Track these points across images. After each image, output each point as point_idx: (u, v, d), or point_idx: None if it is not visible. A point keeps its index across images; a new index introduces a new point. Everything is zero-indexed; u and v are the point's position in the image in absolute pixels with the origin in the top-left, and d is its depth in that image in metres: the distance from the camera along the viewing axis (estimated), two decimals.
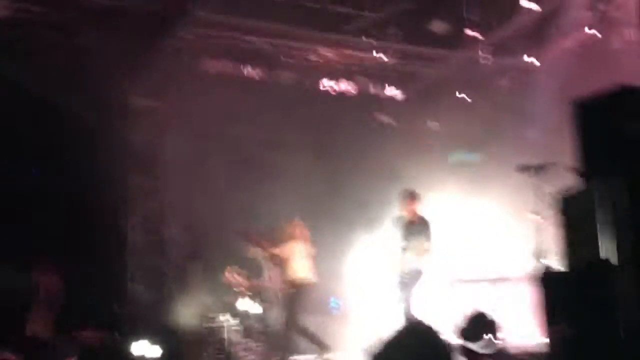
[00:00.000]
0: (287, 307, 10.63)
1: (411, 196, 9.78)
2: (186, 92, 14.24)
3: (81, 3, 12.82)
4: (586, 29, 12.72)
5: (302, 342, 11.11)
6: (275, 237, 10.80)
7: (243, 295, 12.40)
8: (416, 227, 9.60)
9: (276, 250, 10.48)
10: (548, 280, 6.74)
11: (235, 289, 12.20)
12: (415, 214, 9.68)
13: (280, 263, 10.85)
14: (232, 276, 12.15)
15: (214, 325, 13.00)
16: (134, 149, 14.48)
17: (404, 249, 9.56)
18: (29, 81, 13.57)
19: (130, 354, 12.08)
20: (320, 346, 10.63)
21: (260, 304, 11.91)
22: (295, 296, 10.65)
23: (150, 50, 13.72)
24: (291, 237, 10.69)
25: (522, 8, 12.73)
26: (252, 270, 12.24)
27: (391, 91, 14.97)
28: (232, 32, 13.65)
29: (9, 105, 14.24)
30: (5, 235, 15.45)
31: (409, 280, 9.54)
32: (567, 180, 6.65)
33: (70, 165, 14.57)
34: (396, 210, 9.93)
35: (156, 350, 12.33)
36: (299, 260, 10.68)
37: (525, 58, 13.86)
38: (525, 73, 14.09)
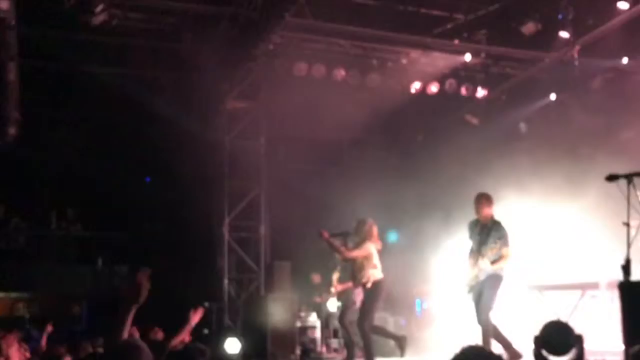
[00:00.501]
0: (364, 306, 10.65)
1: (486, 200, 9.63)
2: (279, 95, 14.61)
3: (179, 10, 13.30)
4: None
5: (386, 344, 11.23)
6: (355, 237, 10.91)
7: (331, 296, 12.65)
8: (491, 231, 9.43)
9: (354, 253, 10.58)
10: (632, 291, 6.64)
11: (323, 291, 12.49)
12: (490, 218, 9.52)
13: (358, 264, 10.94)
14: (318, 277, 12.41)
15: (302, 324, 13.34)
16: (230, 151, 14.93)
17: (479, 255, 9.42)
18: (130, 88, 14.24)
19: (219, 349, 12.53)
20: (396, 339, 10.68)
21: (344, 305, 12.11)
22: (372, 295, 10.64)
23: (245, 54, 14.11)
24: (367, 237, 10.76)
25: (616, 8, 12.45)
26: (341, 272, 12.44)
27: (481, 92, 14.86)
28: (324, 36, 13.91)
29: (116, 114, 15.03)
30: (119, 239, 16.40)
31: (484, 287, 9.38)
32: None
33: (173, 170, 15.23)
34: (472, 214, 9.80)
35: (244, 347, 12.75)
36: (375, 260, 10.76)
37: (619, 59, 13.53)
38: (619, 75, 13.76)
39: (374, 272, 10.33)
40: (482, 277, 9.29)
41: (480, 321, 9.22)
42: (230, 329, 13.61)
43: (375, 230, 10.44)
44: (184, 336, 8.38)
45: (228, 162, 14.90)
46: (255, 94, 15.09)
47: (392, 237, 14.87)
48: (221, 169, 14.94)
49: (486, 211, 9.47)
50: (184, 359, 4.25)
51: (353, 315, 11.30)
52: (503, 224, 9.42)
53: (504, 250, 9.27)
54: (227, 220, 14.69)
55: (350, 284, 11.55)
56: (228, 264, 14.55)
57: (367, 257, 10.29)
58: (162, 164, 15.76)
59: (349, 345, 11.20)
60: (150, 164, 16.26)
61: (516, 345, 9.33)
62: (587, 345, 6.78)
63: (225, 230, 14.63)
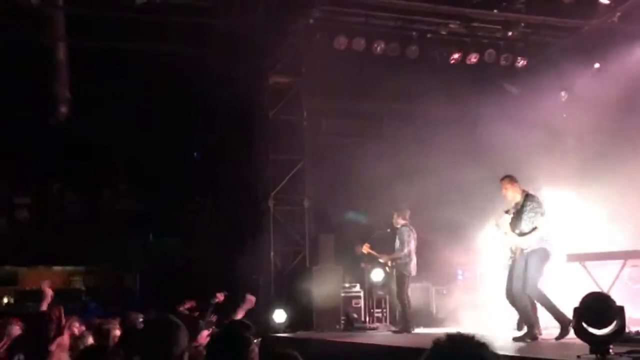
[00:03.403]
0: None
1: (509, 181, 9.71)
2: (321, 69, 14.76)
3: None
4: None
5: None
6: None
7: (376, 267, 12.97)
8: (524, 206, 9.52)
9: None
10: None
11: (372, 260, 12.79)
12: (520, 195, 9.59)
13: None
14: (368, 248, 12.70)
15: (346, 294, 13.66)
16: (273, 126, 15.19)
17: (514, 230, 9.54)
18: (176, 65, 14.54)
19: (267, 320, 12.97)
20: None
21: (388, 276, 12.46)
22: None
23: (286, 30, 14.29)
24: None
25: None
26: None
27: (521, 62, 14.83)
28: (363, 9, 14.01)
29: (163, 91, 15.39)
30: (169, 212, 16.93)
31: (529, 259, 9.47)
32: None
33: (220, 145, 15.59)
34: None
35: (290, 317, 13.15)
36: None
37: None
38: None
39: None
40: (527, 249, 9.42)
41: (530, 294, 9.33)
42: (277, 300, 13.99)
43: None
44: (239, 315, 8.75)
45: (272, 137, 15.14)
46: (297, 69, 15.26)
47: None
48: (265, 144, 15.19)
49: (512, 191, 9.59)
50: (229, 334, 4.50)
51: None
52: (536, 196, 9.53)
53: (539, 221, 9.39)
54: (272, 194, 14.98)
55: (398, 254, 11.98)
56: (274, 237, 14.86)
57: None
58: (209, 140, 16.14)
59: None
60: (197, 139, 16.63)
61: (539, 323, 9.47)
62: (628, 316, 6.84)
63: (271, 204, 14.92)
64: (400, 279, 12.29)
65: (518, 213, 9.52)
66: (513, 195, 9.62)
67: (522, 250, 9.47)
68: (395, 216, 12.47)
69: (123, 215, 17.30)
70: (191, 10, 13.97)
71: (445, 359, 2.64)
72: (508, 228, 9.56)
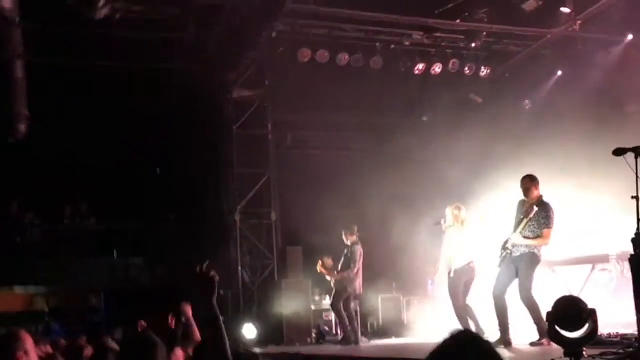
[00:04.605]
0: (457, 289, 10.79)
1: (531, 180, 9.67)
2: (285, 82, 14.71)
3: (182, 1, 13.39)
4: None
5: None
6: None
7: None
8: (535, 211, 9.47)
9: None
10: None
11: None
12: (537, 198, 9.55)
13: None
14: (320, 267, 12.71)
15: (316, 307, 13.54)
16: (238, 140, 15.06)
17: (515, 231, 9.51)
18: (137, 80, 14.37)
19: (237, 335, 12.76)
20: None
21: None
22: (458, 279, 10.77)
23: (249, 43, 14.21)
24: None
25: None
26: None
27: (485, 71, 14.93)
28: (327, 22, 13.99)
29: (124, 107, 15.17)
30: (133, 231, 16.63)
31: (520, 264, 9.43)
32: None
33: (184, 160, 15.41)
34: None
35: (260, 332, 12.98)
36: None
37: (622, 33, 13.58)
38: (621, 49, 13.80)
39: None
40: (516, 253, 9.37)
41: (522, 299, 9.30)
42: (246, 315, 13.81)
43: (459, 214, 10.62)
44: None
45: (237, 151, 15.02)
46: (261, 82, 15.20)
47: None
48: (230, 157, 15.07)
49: (533, 192, 9.53)
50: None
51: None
52: (551, 206, 9.46)
53: (544, 231, 9.33)
54: (238, 208, 14.84)
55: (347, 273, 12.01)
56: (241, 251, 14.71)
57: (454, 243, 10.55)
58: (172, 155, 15.93)
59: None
60: (161, 155, 16.40)
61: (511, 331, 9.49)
62: (600, 319, 6.86)
63: (237, 218, 14.78)
64: (340, 292, 12.31)
65: (527, 214, 9.44)
66: (533, 197, 9.55)
67: (511, 253, 9.42)
68: (344, 234, 12.40)
69: (85, 234, 16.96)
70: (153, 25, 13.82)
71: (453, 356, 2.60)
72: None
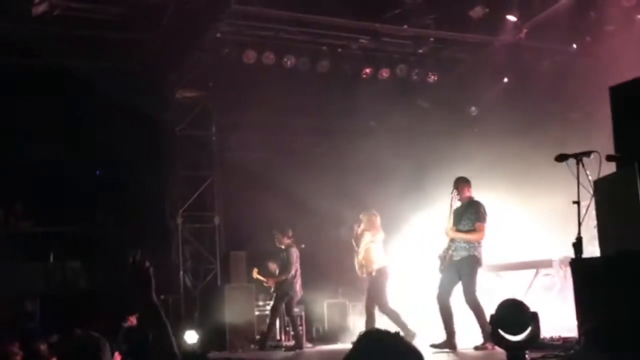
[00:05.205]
0: (372, 292, 11.00)
1: (463, 182, 9.80)
2: (229, 83, 14.51)
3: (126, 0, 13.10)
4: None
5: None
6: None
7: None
8: (467, 209, 9.61)
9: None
10: (584, 268, 6.75)
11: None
12: (467, 199, 9.70)
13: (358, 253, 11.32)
14: (255, 274, 12.71)
15: (260, 313, 13.35)
16: (181, 142, 14.79)
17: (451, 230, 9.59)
18: (79, 78, 13.98)
19: (176, 341, 12.46)
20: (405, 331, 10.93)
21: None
22: (376, 281, 11.01)
23: (193, 43, 13.97)
24: (368, 229, 11.12)
25: None
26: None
27: (431, 77, 14.95)
28: (272, 24, 13.82)
29: (64, 106, 14.76)
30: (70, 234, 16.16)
31: (462, 268, 9.49)
32: (608, 166, 6.65)
33: (125, 162, 15.06)
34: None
35: (202, 338, 12.70)
36: (374, 248, 11.10)
37: (567, 42, 13.77)
38: (567, 57, 13.99)
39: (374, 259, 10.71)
40: (456, 257, 9.46)
41: (467, 302, 9.39)
42: (188, 320, 13.54)
43: (375, 220, 10.84)
44: None
45: (179, 153, 14.77)
46: (205, 83, 14.95)
47: None
48: (173, 160, 14.80)
49: (465, 193, 9.67)
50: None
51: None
52: (481, 203, 9.60)
53: (477, 225, 9.45)
54: (180, 212, 14.58)
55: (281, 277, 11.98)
56: (183, 255, 14.47)
57: (368, 248, 10.73)
58: (113, 157, 15.55)
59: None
60: (100, 156, 16.01)
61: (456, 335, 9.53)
62: (542, 323, 6.91)
63: (179, 221, 14.53)
64: (281, 297, 12.36)
65: (459, 214, 9.56)
66: (464, 197, 9.67)
67: (451, 257, 9.48)
68: (279, 236, 12.43)
69: (20, 237, 16.41)
70: (94, 23, 13.46)
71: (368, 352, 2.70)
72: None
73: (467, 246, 9.53)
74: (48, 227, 16.36)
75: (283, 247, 12.45)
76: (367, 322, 11.05)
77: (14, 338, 10.62)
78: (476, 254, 9.52)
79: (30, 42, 13.30)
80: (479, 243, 9.58)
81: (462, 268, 9.48)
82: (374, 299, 10.98)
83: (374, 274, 10.98)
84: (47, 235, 16.34)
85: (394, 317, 10.87)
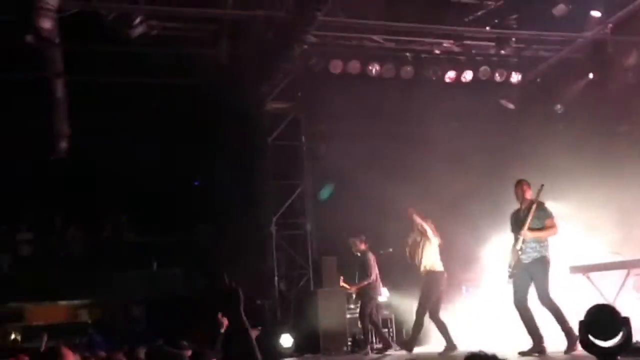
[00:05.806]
0: (421, 295, 11.31)
1: (526, 184, 9.79)
2: (317, 93, 14.86)
3: (214, 17, 13.63)
4: None
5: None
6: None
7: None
8: (531, 212, 9.54)
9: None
10: None
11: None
12: (530, 201, 9.65)
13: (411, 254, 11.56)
14: (341, 282, 13.11)
15: (351, 316, 13.62)
16: (273, 152, 15.26)
17: (519, 236, 9.55)
18: (174, 96, 14.65)
19: (274, 345, 12.93)
20: (448, 344, 11.16)
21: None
22: (427, 284, 11.27)
23: (281, 56, 14.39)
24: (419, 230, 11.35)
25: None
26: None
27: (515, 77, 14.92)
28: (357, 33, 14.14)
29: (161, 122, 15.48)
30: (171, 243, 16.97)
31: (534, 271, 9.45)
32: None
33: (221, 173, 15.69)
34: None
35: (297, 341, 13.12)
36: (427, 251, 11.30)
37: None
38: None
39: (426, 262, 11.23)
40: (527, 260, 9.43)
41: (544, 305, 9.38)
42: (283, 324, 13.97)
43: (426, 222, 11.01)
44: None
45: (272, 162, 15.22)
46: (294, 94, 15.38)
47: None
48: (265, 169, 15.27)
49: (526, 195, 9.67)
50: None
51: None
52: (546, 205, 9.56)
53: (547, 221, 9.42)
54: (274, 219, 15.04)
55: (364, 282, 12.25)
56: (277, 262, 14.91)
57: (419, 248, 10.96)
58: (209, 168, 16.20)
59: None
60: (197, 168, 16.70)
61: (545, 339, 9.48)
62: (634, 327, 6.84)
63: (273, 229, 14.99)
64: (367, 302, 12.58)
65: (524, 217, 9.55)
66: (526, 200, 9.70)
67: (521, 261, 9.48)
68: (355, 243, 12.79)
69: (125, 247, 17.32)
70: (187, 41, 14.08)
71: None
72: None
73: (537, 247, 9.49)
74: (150, 237, 17.24)
75: (359, 253, 12.77)
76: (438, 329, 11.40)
77: (123, 343, 11.35)
78: (547, 255, 9.49)
79: (130, 62, 14.02)
80: (548, 244, 9.55)
81: (533, 270, 9.43)
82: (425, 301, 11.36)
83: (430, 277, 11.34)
84: (150, 245, 17.21)
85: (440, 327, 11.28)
